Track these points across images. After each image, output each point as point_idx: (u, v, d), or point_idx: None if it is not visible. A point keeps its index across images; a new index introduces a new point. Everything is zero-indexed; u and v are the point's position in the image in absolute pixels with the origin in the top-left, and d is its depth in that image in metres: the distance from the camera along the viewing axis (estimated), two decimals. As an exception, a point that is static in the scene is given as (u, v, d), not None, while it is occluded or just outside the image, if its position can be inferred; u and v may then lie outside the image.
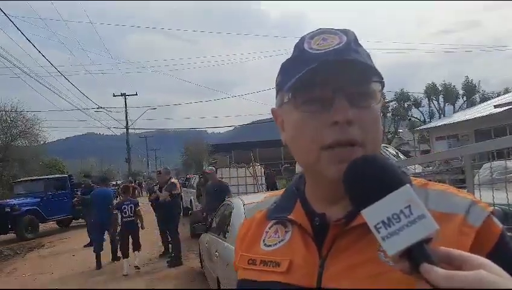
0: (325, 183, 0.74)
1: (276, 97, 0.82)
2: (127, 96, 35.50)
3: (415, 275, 0.53)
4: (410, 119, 38.03)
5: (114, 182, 34.03)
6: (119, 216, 8.34)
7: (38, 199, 15.32)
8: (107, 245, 9.20)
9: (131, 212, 8.13)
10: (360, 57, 0.73)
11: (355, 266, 0.68)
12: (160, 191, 8.81)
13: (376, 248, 0.66)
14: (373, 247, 0.66)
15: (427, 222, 0.53)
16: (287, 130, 0.79)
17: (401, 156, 12.98)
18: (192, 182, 16.62)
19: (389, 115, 35.19)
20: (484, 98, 33.81)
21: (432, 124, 27.02)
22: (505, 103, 18.01)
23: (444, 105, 37.21)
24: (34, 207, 14.89)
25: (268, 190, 10.99)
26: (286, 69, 0.78)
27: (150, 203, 10.45)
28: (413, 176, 0.81)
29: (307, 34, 0.78)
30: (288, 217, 0.80)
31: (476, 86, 36.63)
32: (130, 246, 8.15)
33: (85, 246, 11.28)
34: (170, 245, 9.00)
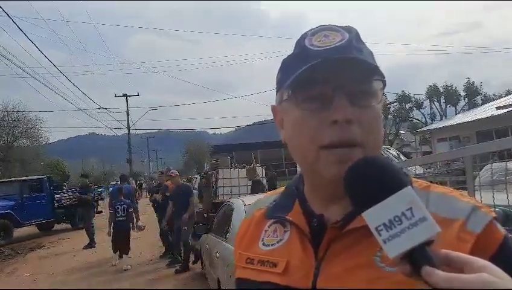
0: (324, 183, 0.73)
1: (276, 94, 0.81)
2: (128, 97, 35.54)
3: (416, 278, 0.52)
4: (411, 120, 38.02)
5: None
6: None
7: (13, 202, 14.11)
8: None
9: (123, 212, 8.41)
10: (362, 55, 0.72)
11: (350, 270, 0.68)
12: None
13: (372, 253, 0.66)
14: (369, 251, 0.66)
15: (428, 224, 0.53)
16: (286, 128, 0.78)
17: (402, 158, 12.96)
18: (193, 183, 16.62)
19: (390, 116, 35.17)
20: (486, 100, 33.85)
21: (434, 126, 27.01)
22: (507, 105, 18.01)
23: (446, 107, 37.23)
24: (7, 211, 13.69)
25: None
26: (287, 66, 0.77)
27: (151, 203, 10.47)
28: (415, 178, 0.80)
29: (309, 31, 0.76)
30: (287, 217, 0.79)
31: (477, 88, 36.62)
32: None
33: (85, 247, 11.28)
34: (170, 245, 9.01)
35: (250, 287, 0.80)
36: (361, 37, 0.75)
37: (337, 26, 0.75)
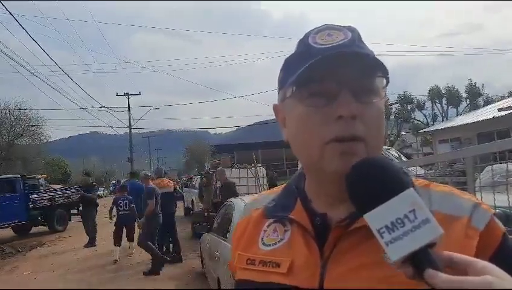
0: (328, 180, 0.73)
1: (279, 93, 0.81)
2: (130, 96, 35.56)
3: (418, 280, 0.52)
4: (413, 121, 37.98)
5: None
6: (115, 209, 9.29)
7: None
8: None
9: (126, 207, 9.05)
10: (366, 49, 0.73)
11: (359, 268, 0.67)
12: None
13: (380, 250, 0.65)
14: (377, 249, 0.64)
15: (431, 226, 0.53)
16: (289, 126, 0.77)
17: (403, 159, 12.94)
18: (194, 182, 16.63)
19: (392, 117, 35.13)
20: (488, 101, 33.78)
21: (435, 127, 26.97)
22: (509, 106, 17.97)
23: (447, 108, 37.18)
24: None
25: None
26: (290, 65, 0.77)
27: None
28: (415, 177, 0.81)
29: (312, 30, 0.77)
30: (290, 216, 0.78)
31: (479, 89, 36.57)
32: (124, 237, 9.22)
33: (86, 245, 11.28)
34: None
35: (253, 288, 0.78)
36: (362, 37, 0.76)
37: (340, 25, 0.76)
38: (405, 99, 36.38)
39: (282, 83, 0.78)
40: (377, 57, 0.72)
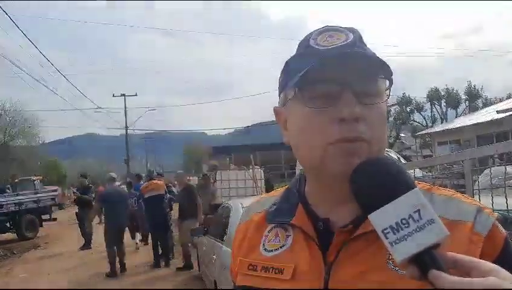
0: (330, 182, 0.72)
1: (279, 96, 0.80)
2: (126, 97, 35.49)
3: (423, 281, 0.52)
4: (412, 123, 38.10)
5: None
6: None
7: None
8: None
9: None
10: (368, 50, 0.73)
11: (363, 273, 0.67)
12: None
13: (385, 256, 0.65)
14: (382, 254, 0.65)
15: (437, 227, 0.52)
16: (291, 128, 0.77)
17: (402, 161, 12.94)
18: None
19: (391, 119, 35.25)
20: (487, 103, 33.92)
21: (434, 129, 27.06)
22: (508, 108, 18.04)
23: (446, 110, 37.31)
24: None
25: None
26: (290, 67, 0.77)
27: None
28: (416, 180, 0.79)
29: (313, 31, 0.76)
30: (292, 222, 0.77)
31: (478, 91, 36.72)
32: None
33: (81, 248, 11.23)
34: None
35: None
36: (363, 38, 0.76)
37: (341, 27, 0.76)
38: (404, 101, 36.50)
39: (283, 86, 0.78)
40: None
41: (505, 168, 3.71)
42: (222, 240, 4.72)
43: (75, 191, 13.94)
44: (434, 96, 36.59)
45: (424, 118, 37.73)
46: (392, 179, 0.58)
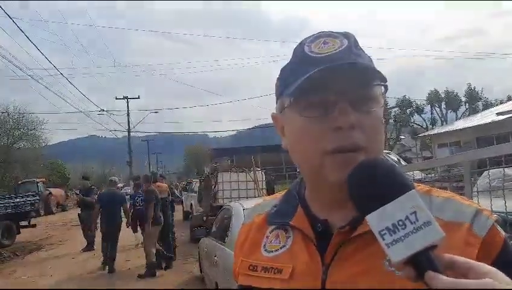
0: (328, 187, 0.73)
1: (277, 102, 0.81)
2: (129, 100, 35.55)
3: (420, 283, 0.52)
4: (412, 125, 38.01)
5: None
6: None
7: None
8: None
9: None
10: (363, 60, 0.72)
11: (359, 274, 0.67)
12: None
13: (381, 257, 0.65)
14: (378, 255, 0.65)
15: (433, 228, 0.53)
16: (289, 136, 0.77)
17: (402, 163, 12.94)
18: (193, 186, 16.61)
19: (391, 121, 35.15)
20: (487, 106, 33.84)
21: (434, 131, 26.99)
22: (508, 111, 18.02)
23: (447, 112, 37.22)
24: None
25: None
26: (286, 74, 0.77)
27: None
28: (415, 182, 0.80)
29: (307, 38, 0.76)
30: (290, 223, 0.78)
31: (478, 93, 36.65)
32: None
33: (84, 250, 11.26)
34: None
35: None
36: (358, 43, 0.75)
37: (335, 32, 0.75)
38: (404, 103, 36.43)
39: (280, 93, 0.78)
40: (375, 61, 0.72)
41: (504, 171, 3.74)
42: (223, 242, 4.74)
43: (77, 193, 13.90)
44: (434, 98, 36.52)
45: (424, 120, 37.65)
46: (389, 181, 0.58)
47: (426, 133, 28.45)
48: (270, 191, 11.69)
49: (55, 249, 12.29)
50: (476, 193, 3.05)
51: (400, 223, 0.53)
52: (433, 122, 36.87)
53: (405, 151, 37.91)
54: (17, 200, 14.19)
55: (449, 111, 37.04)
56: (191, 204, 15.40)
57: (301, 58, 0.74)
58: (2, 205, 13.17)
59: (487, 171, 3.50)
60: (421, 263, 0.52)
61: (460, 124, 23.52)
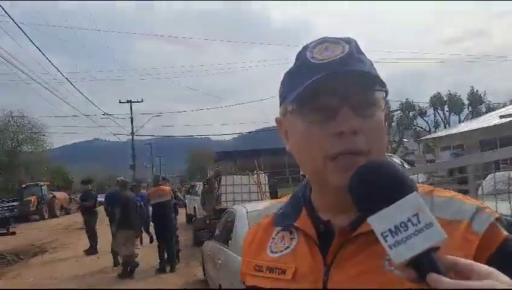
0: (331, 191, 0.74)
1: (280, 107, 0.82)
2: (133, 103, 35.65)
3: (421, 285, 0.52)
4: (415, 129, 37.94)
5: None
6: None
7: None
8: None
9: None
10: (364, 66, 0.73)
11: (360, 274, 0.68)
12: None
13: (382, 257, 0.66)
14: (379, 256, 0.66)
15: (435, 230, 0.53)
16: (292, 140, 0.79)
17: (406, 166, 12.89)
18: (196, 189, 16.62)
19: (394, 124, 35.09)
20: (490, 109, 33.72)
21: (437, 134, 26.93)
22: (511, 114, 17.95)
23: (449, 115, 37.13)
24: None
25: (271, 199, 10.89)
26: (289, 79, 0.78)
27: None
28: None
29: (309, 44, 0.77)
30: (295, 224, 0.80)
31: (481, 96, 36.55)
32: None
33: (87, 252, 11.28)
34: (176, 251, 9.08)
35: None
36: (360, 48, 0.76)
37: (337, 38, 0.76)
38: (407, 106, 36.39)
39: (283, 98, 0.79)
40: (380, 64, 0.74)
41: (509, 174, 3.73)
42: (227, 245, 4.74)
43: (78, 200, 13.63)
44: (437, 101, 36.46)
45: (427, 123, 37.59)
46: (392, 183, 0.58)
47: (429, 136, 28.39)
48: (273, 194, 11.70)
49: (58, 253, 12.32)
50: (481, 196, 3.04)
51: (402, 225, 0.54)
52: (436, 125, 36.80)
53: (408, 154, 37.80)
54: None
55: (452, 114, 36.96)
56: (195, 207, 15.39)
57: (303, 64, 0.75)
58: None
59: (492, 174, 3.49)
60: (423, 264, 0.52)
61: (463, 127, 23.46)
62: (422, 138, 29.85)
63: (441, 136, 24.43)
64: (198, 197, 14.13)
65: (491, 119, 20.49)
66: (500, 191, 3.27)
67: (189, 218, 16.53)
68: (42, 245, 13.94)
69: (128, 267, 8.36)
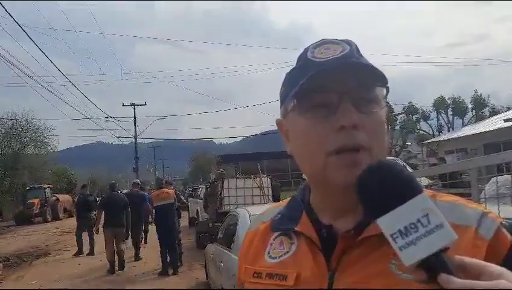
0: (333, 191, 0.73)
1: (281, 108, 0.82)
2: (136, 106, 35.75)
3: (432, 285, 0.52)
4: (418, 132, 37.82)
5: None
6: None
7: None
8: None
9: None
10: (365, 61, 0.74)
11: (366, 278, 0.67)
12: None
13: (387, 260, 0.65)
14: (384, 259, 0.66)
15: (445, 231, 0.53)
16: (292, 139, 0.78)
17: (409, 170, 12.85)
18: (199, 192, 16.62)
19: (397, 127, 35.02)
20: (493, 112, 33.56)
21: (441, 138, 26.84)
22: (515, 117, 17.85)
23: (453, 118, 36.99)
24: None
25: (274, 202, 10.88)
26: (290, 79, 0.78)
27: None
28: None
29: (310, 45, 0.78)
30: (295, 229, 0.78)
31: (485, 100, 36.41)
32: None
33: (87, 254, 11.40)
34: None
35: None
36: (360, 50, 0.77)
37: (338, 39, 0.77)
38: (410, 110, 36.29)
39: (284, 98, 0.79)
40: (378, 66, 0.72)
41: (511, 177, 3.72)
42: (229, 248, 4.75)
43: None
44: (440, 105, 36.34)
45: (431, 127, 37.47)
46: (401, 184, 0.58)
47: (433, 140, 28.29)
48: (276, 197, 11.68)
49: (61, 255, 12.33)
50: (484, 199, 3.04)
51: (412, 226, 0.53)
52: (440, 129, 36.67)
53: (411, 158, 37.71)
54: None
55: (455, 118, 36.82)
56: (197, 210, 15.40)
57: (304, 63, 0.75)
58: None
59: (495, 177, 3.49)
60: (434, 265, 0.52)
61: (467, 131, 23.37)
62: (426, 141, 29.73)
63: (445, 140, 24.34)
64: (200, 200, 14.14)
65: (495, 123, 20.40)
66: (503, 195, 3.26)
67: (192, 221, 16.53)
68: (45, 247, 13.97)
69: (114, 264, 8.88)
